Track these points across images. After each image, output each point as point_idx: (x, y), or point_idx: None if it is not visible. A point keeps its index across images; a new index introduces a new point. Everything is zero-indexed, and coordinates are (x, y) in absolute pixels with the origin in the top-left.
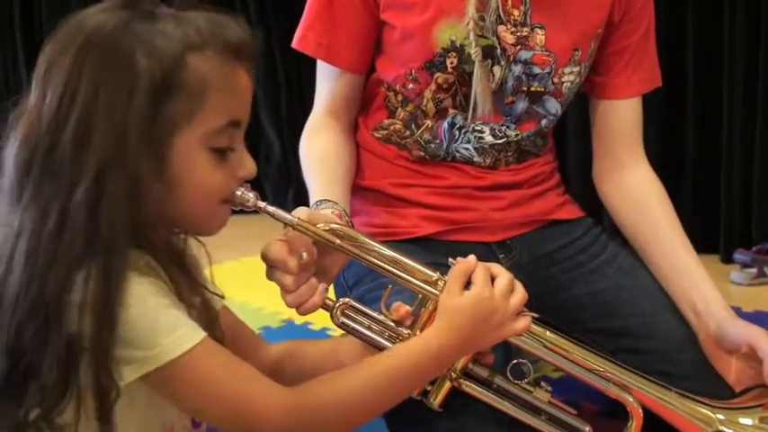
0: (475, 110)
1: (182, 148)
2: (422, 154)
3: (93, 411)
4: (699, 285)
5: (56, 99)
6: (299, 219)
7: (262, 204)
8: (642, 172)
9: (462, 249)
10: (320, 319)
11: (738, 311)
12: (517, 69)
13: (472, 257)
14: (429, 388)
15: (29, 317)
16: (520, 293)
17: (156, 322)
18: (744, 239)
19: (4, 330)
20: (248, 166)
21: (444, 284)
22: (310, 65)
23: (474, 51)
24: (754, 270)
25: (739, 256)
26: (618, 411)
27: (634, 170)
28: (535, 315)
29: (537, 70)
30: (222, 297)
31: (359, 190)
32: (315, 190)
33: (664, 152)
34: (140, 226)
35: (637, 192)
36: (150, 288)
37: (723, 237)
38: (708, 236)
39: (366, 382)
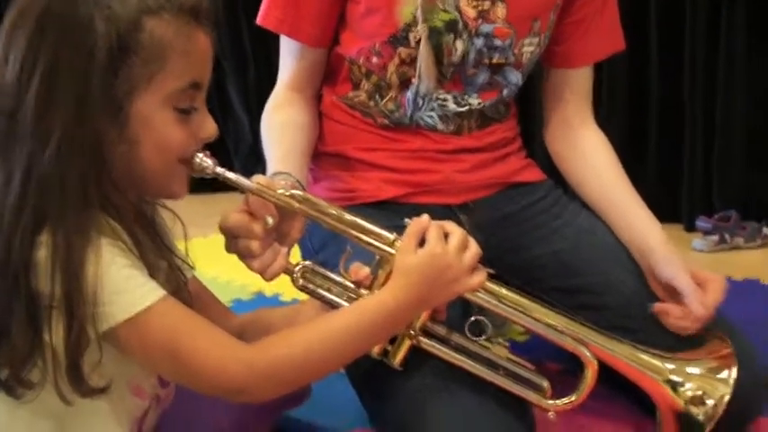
0: (419, 83)
1: (142, 110)
2: (386, 122)
3: (65, 368)
4: (637, 222)
5: (18, 63)
6: (257, 184)
7: (220, 170)
8: (591, 132)
9: (425, 211)
10: (290, 290)
11: None
12: (479, 42)
13: (425, 216)
14: (389, 348)
15: None
16: (473, 249)
17: (116, 280)
18: (705, 207)
19: None
20: (209, 128)
21: None
22: (277, 39)
23: (420, 28)
24: (715, 237)
25: (701, 223)
26: (578, 370)
27: (583, 131)
28: (491, 271)
29: (498, 43)
30: (192, 267)
31: (321, 156)
32: (271, 162)
33: (628, 124)
34: (106, 187)
35: (585, 148)
36: (111, 248)
37: (685, 206)
38: (671, 205)
39: (321, 336)
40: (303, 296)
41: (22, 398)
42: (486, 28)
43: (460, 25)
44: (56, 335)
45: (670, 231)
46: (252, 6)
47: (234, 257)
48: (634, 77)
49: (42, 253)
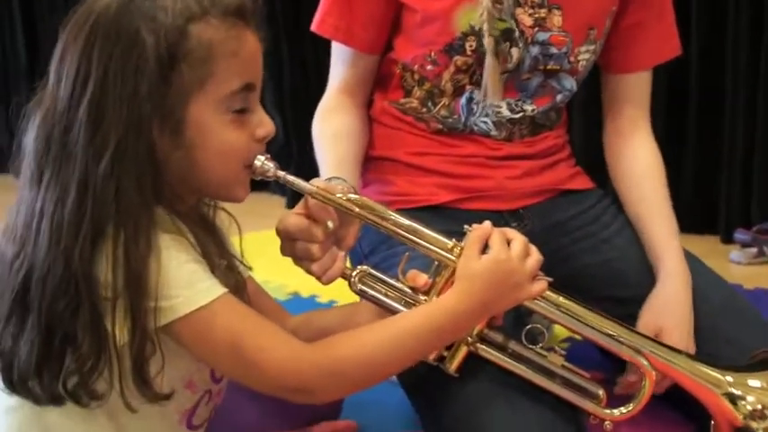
0: (485, 98)
1: (197, 115)
2: (440, 127)
3: (130, 373)
4: (659, 243)
5: (70, 82)
6: (317, 188)
7: (281, 174)
8: (642, 142)
9: (476, 217)
10: (327, 292)
11: (739, 289)
12: (534, 50)
13: (488, 223)
14: (445, 353)
15: (59, 292)
16: (535, 256)
17: (179, 275)
18: (744, 219)
19: (36, 309)
20: (267, 126)
21: (461, 250)
22: (313, 42)
23: (487, 41)
24: (754, 249)
25: (739, 235)
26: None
27: (634, 140)
28: (550, 279)
29: (554, 50)
30: (250, 269)
31: (371, 160)
32: (325, 168)
33: (666, 132)
34: (164, 192)
35: (631, 159)
36: (173, 244)
37: (723, 217)
38: (708, 216)
39: (386, 338)
40: (340, 298)
41: (89, 407)
42: (542, 36)
43: (516, 33)
44: (120, 336)
45: (707, 243)
46: (289, 11)
47: (270, 258)
48: (672, 86)
49: (104, 255)
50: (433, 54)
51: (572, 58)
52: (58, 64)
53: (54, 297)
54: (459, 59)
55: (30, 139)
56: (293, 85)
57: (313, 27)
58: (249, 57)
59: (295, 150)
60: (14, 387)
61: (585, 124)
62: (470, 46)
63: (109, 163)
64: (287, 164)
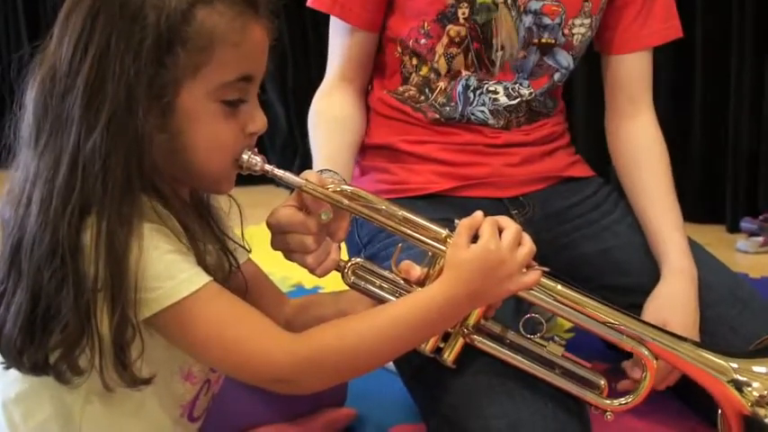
0: (503, 48)
1: (187, 102)
2: (437, 116)
3: (111, 356)
4: (660, 246)
5: (71, 46)
6: (306, 181)
7: (269, 168)
8: (643, 124)
9: (475, 205)
10: (330, 283)
11: (745, 278)
12: (528, 20)
13: (479, 213)
14: (442, 345)
15: (45, 261)
16: (527, 246)
17: (159, 266)
18: (750, 208)
19: (24, 275)
20: (258, 121)
21: None
22: (317, 33)
23: None
24: (760, 238)
25: (746, 224)
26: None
27: (635, 123)
28: (545, 269)
29: (547, 21)
30: (248, 250)
31: (368, 148)
32: (318, 158)
33: (670, 121)
34: (150, 174)
35: (633, 142)
36: (155, 234)
37: (729, 206)
38: (714, 205)
39: (370, 329)
40: (343, 288)
41: (71, 383)
42: (534, 5)
43: (509, 1)
44: (101, 321)
45: (713, 232)
46: (291, 2)
47: (270, 249)
48: (678, 74)
49: (88, 237)
50: (426, 25)
51: (566, 31)
52: (63, 22)
53: (40, 266)
54: (452, 29)
55: (30, 99)
56: (297, 77)
57: (309, 2)
58: (251, 48)
59: (299, 141)
60: (2, 352)
61: (587, 113)
62: (463, 14)
63: (99, 138)
64: (292, 155)
